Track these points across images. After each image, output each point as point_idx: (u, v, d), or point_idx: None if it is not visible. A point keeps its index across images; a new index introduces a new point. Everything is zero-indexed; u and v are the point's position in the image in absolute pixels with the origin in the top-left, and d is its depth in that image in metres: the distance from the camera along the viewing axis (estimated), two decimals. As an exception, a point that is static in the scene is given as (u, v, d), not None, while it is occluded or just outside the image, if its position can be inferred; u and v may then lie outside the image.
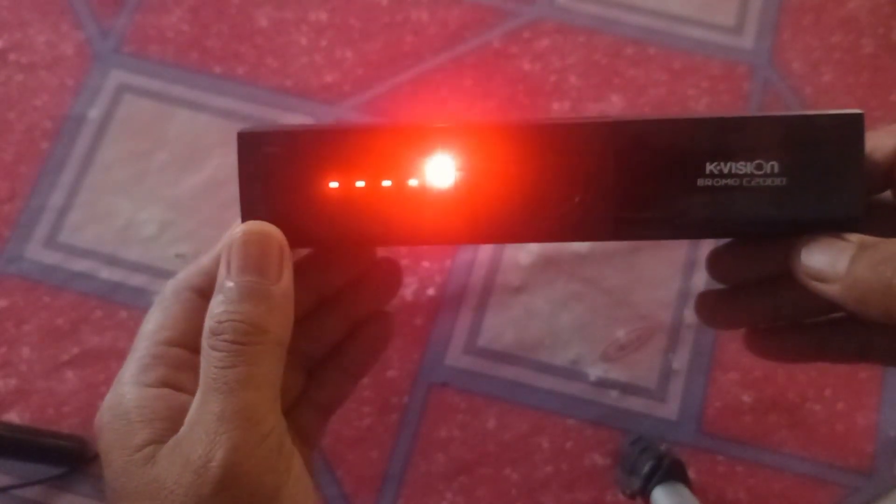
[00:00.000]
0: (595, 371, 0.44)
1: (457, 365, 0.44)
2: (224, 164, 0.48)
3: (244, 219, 0.23)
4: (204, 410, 0.20)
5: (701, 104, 0.49)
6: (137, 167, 0.48)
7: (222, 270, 0.21)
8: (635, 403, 0.43)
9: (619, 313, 0.45)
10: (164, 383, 0.22)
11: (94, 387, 0.44)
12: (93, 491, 0.42)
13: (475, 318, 0.45)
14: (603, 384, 0.44)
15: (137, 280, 0.46)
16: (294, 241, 0.22)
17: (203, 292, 0.25)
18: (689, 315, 0.45)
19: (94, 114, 0.49)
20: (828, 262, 0.22)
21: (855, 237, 0.21)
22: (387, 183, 0.23)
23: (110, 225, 0.47)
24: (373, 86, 0.50)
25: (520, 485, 0.42)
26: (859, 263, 0.21)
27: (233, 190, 0.48)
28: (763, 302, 0.27)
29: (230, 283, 0.21)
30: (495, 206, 0.22)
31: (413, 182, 0.22)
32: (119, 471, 0.20)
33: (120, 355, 0.45)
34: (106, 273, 0.46)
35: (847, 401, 0.43)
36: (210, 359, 0.20)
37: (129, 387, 0.22)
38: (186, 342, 0.24)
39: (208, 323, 0.21)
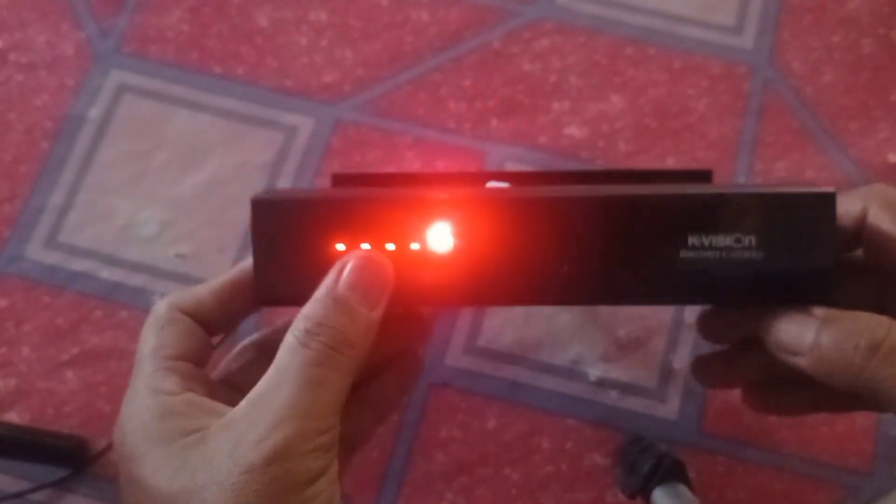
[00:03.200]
0: (595, 371, 0.44)
1: (457, 365, 0.44)
2: (224, 164, 0.48)
3: (256, 278, 0.25)
4: (274, 395, 0.21)
5: (701, 104, 0.49)
6: (137, 167, 0.48)
7: (330, 279, 0.23)
8: (635, 403, 0.43)
9: (619, 313, 0.45)
10: (184, 390, 0.24)
11: (95, 387, 0.44)
12: (94, 492, 0.42)
13: (475, 317, 0.45)
14: (603, 384, 0.44)
15: (137, 280, 0.46)
16: (303, 299, 0.24)
17: (194, 316, 0.26)
18: (689, 315, 0.45)
19: (94, 114, 0.49)
20: (794, 335, 0.23)
21: (820, 311, 0.22)
22: (390, 246, 0.24)
23: (110, 225, 0.47)
24: (373, 86, 0.50)
25: (520, 485, 0.42)
26: (823, 338, 0.22)
27: (233, 190, 0.49)
28: (755, 360, 0.29)
29: (337, 295, 0.23)
30: (491, 271, 0.24)
31: (415, 246, 0.24)
32: (158, 462, 0.21)
33: (120, 355, 0.45)
34: (106, 273, 0.46)
35: (847, 401, 0.43)
36: (297, 354, 0.22)
37: (150, 398, 0.23)
38: (189, 358, 0.25)
39: (304, 323, 0.22)
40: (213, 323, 0.27)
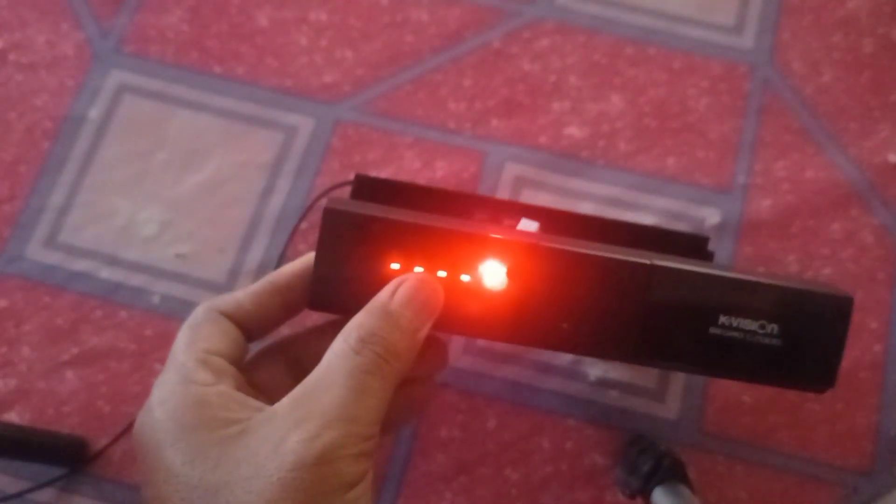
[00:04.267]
0: (595, 371, 0.44)
1: (457, 365, 0.44)
2: (224, 164, 0.48)
3: (314, 281, 0.26)
4: (323, 396, 0.22)
5: (701, 104, 0.49)
6: (137, 167, 0.48)
7: (385, 294, 0.24)
8: (635, 403, 0.43)
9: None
10: (217, 382, 0.24)
11: (95, 386, 0.44)
12: (94, 491, 0.43)
13: (475, 318, 0.45)
14: (603, 384, 0.44)
15: (137, 280, 0.46)
16: (352, 308, 0.25)
17: (231, 318, 0.26)
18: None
19: (94, 113, 0.49)
20: None
21: None
22: (442, 274, 0.26)
23: (110, 225, 0.47)
24: (373, 85, 0.50)
25: (520, 484, 0.42)
26: None
27: (233, 190, 0.49)
28: None
29: (390, 309, 0.24)
30: (538, 315, 0.26)
31: (465, 278, 0.25)
32: (195, 451, 0.21)
33: (120, 355, 0.45)
34: (106, 273, 0.46)
35: (847, 401, 0.43)
36: (349, 359, 0.22)
37: (183, 386, 0.23)
38: (223, 355, 0.25)
39: (357, 332, 0.23)
40: (250, 326, 0.27)
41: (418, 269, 0.26)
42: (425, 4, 0.51)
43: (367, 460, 0.22)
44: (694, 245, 0.38)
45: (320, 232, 0.26)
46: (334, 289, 0.26)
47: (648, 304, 0.25)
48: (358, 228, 0.26)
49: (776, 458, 0.43)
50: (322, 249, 0.26)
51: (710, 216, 0.46)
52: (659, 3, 0.51)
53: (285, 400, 0.22)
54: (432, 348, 0.29)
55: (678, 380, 0.44)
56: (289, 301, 0.27)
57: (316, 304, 0.26)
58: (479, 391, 0.44)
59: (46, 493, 0.42)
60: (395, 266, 0.26)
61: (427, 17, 0.51)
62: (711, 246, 0.39)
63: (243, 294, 0.27)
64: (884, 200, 0.47)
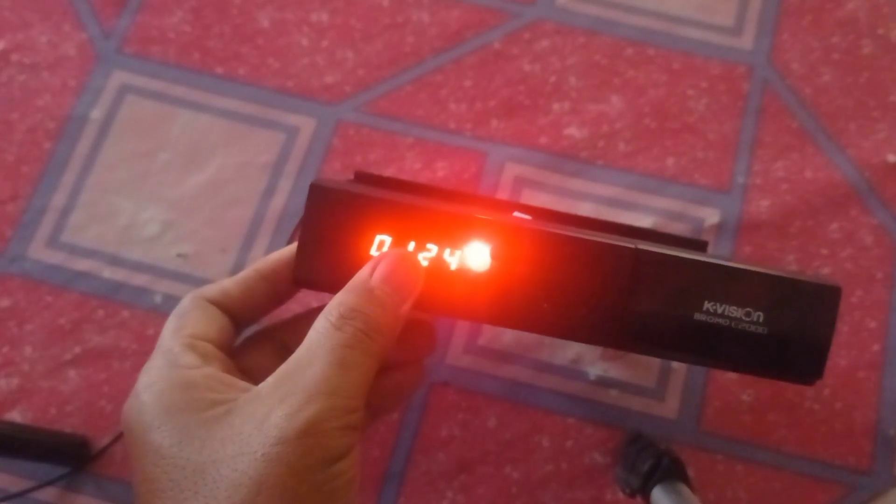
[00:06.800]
0: (595, 370, 0.44)
1: (457, 364, 0.44)
2: (226, 164, 0.48)
3: (298, 258, 0.26)
4: (305, 372, 0.22)
5: (700, 104, 0.49)
6: (139, 167, 0.48)
7: (366, 271, 0.24)
8: (635, 402, 0.44)
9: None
10: (203, 365, 0.24)
11: (97, 386, 0.45)
12: (96, 490, 0.43)
13: (476, 317, 0.45)
14: (603, 383, 0.44)
15: (139, 280, 0.46)
16: (336, 286, 0.25)
17: (219, 305, 0.27)
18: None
19: (96, 114, 0.49)
20: None
21: None
22: (428, 254, 0.26)
23: (112, 225, 0.47)
24: (374, 86, 0.50)
25: (520, 483, 0.43)
26: None
27: (234, 190, 0.49)
28: None
29: (371, 286, 0.24)
30: (521, 297, 0.25)
31: (451, 258, 0.26)
32: (183, 432, 0.21)
33: (122, 354, 0.45)
34: (108, 273, 0.46)
35: (846, 400, 0.44)
36: (330, 335, 0.23)
37: (169, 370, 0.23)
38: (210, 340, 0.25)
39: (338, 308, 0.23)
40: (237, 312, 0.27)
41: (401, 248, 0.26)
42: (426, 5, 0.51)
43: (352, 434, 0.22)
44: (693, 249, 0.39)
45: (305, 208, 0.26)
46: (318, 265, 0.26)
47: (632, 289, 0.25)
48: (343, 205, 0.26)
49: (775, 457, 0.43)
50: (307, 226, 0.26)
51: (709, 216, 0.47)
52: (658, 4, 0.51)
53: (270, 379, 0.22)
54: (419, 331, 0.29)
55: (678, 379, 0.44)
56: (276, 287, 0.28)
57: (300, 281, 0.26)
58: (479, 390, 0.44)
59: (48, 492, 0.42)
60: (380, 244, 0.26)
61: (428, 19, 0.51)
62: (711, 247, 0.39)
63: (230, 282, 0.27)
64: (882, 200, 0.47)
